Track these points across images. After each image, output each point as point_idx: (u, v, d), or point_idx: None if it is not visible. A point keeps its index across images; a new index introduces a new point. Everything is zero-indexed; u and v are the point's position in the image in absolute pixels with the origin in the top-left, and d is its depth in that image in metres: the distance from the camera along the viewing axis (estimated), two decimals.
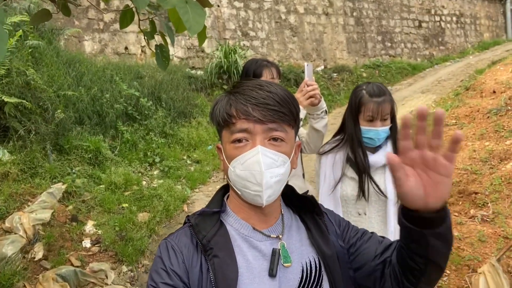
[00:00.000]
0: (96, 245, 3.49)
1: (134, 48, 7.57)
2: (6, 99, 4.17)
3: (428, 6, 13.08)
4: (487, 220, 3.35)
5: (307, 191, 1.12)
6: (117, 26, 7.41)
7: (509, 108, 4.81)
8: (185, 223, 0.97)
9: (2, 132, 4.30)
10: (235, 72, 7.79)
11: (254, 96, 0.88)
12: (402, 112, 6.52)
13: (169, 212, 4.24)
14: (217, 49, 8.13)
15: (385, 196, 1.77)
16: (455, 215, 3.50)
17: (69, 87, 5.23)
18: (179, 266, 0.87)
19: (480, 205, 3.53)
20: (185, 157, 5.83)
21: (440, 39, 13.28)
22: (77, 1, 5.70)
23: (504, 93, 5.24)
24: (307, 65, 1.88)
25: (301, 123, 1.90)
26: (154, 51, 2.65)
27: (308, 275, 0.93)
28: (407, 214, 0.79)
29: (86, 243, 3.47)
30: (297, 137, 1.04)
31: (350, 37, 10.84)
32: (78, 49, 6.79)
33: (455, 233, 3.26)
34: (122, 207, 4.15)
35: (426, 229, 0.77)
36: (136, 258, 3.45)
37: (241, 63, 7.95)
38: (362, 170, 1.78)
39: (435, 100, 7.52)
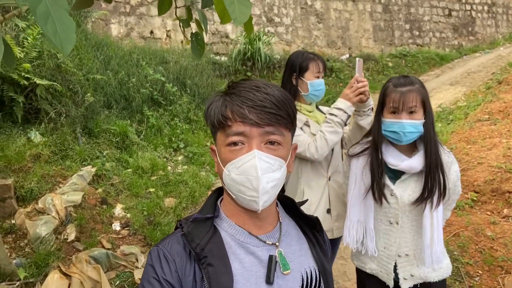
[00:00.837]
0: (125, 228, 3.56)
1: (160, 32, 7.56)
2: (38, 81, 4.24)
3: None
4: None
5: (307, 200, 1.11)
6: (143, 9, 7.39)
7: None
8: (176, 227, 0.93)
9: (34, 114, 4.38)
10: (259, 59, 7.72)
11: (250, 98, 0.84)
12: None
13: (195, 198, 4.28)
14: (241, 35, 8.05)
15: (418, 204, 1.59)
16: (488, 214, 3.41)
17: (97, 71, 5.28)
18: (172, 275, 0.84)
19: None
20: (208, 144, 5.86)
21: (470, 29, 12.81)
22: None
23: None
24: (358, 60, 1.82)
25: (348, 120, 1.86)
26: (190, 38, 2.64)
27: (309, 284, 0.91)
28: None
29: (116, 226, 3.54)
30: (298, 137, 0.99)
31: (376, 24, 10.56)
32: (105, 32, 6.82)
33: (488, 232, 3.19)
34: (149, 191, 4.21)
35: None
36: None
37: (264, 50, 7.87)
38: (375, 173, 1.62)
39: (464, 93, 7.29)
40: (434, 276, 1.65)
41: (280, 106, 0.85)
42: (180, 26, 2.68)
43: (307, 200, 1.11)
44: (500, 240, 3.10)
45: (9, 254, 2.96)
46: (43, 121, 4.33)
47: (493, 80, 6.90)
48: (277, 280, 0.88)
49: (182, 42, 7.68)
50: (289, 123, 0.89)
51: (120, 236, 3.47)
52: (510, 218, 3.31)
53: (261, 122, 0.83)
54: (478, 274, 2.86)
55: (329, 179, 1.99)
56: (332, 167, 2.00)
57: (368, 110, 1.88)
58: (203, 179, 4.70)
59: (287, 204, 1.02)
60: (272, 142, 0.86)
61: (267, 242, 0.91)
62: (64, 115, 4.45)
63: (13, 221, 3.29)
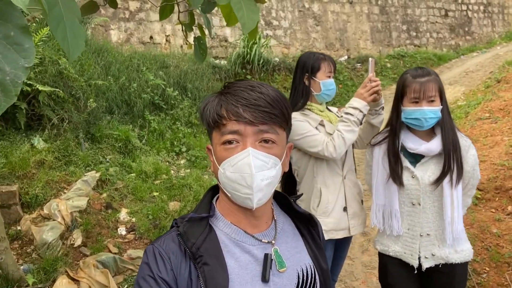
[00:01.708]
0: (131, 233, 3.56)
1: (159, 37, 7.58)
2: (40, 87, 4.24)
3: None
4: None
5: (301, 194, 1.11)
6: (142, 15, 7.42)
7: None
8: (172, 226, 0.94)
9: (36, 121, 4.39)
10: (257, 62, 7.75)
11: (245, 97, 0.85)
12: None
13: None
14: (240, 39, 8.08)
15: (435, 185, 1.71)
16: (492, 212, 3.43)
17: (98, 77, 5.29)
18: (167, 273, 0.84)
19: None
20: None
21: (466, 29, 12.89)
22: None
23: None
24: (371, 60, 1.84)
25: (364, 118, 1.88)
26: (192, 43, 2.65)
27: (304, 281, 0.92)
28: None
29: (122, 230, 3.55)
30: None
31: (374, 26, 10.62)
32: (105, 38, 6.84)
33: (494, 230, 3.21)
34: (153, 195, 4.21)
35: None
36: None
37: (263, 53, 7.90)
38: (392, 156, 1.75)
39: (464, 92, 7.33)
40: (456, 258, 1.72)
41: (274, 105, 0.86)
42: (182, 30, 2.70)
43: (301, 194, 1.11)
44: (506, 237, 3.11)
45: (16, 260, 2.96)
46: (46, 128, 4.33)
47: (491, 79, 6.94)
48: (273, 278, 0.89)
49: (181, 46, 7.71)
50: (284, 122, 0.89)
51: (126, 240, 3.47)
52: None
53: (255, 121, 0.84)
54: (485, 271, 2.87)
55: (344, 178, 2.02)
56: (346, 165, 2.03)
57: (380, 109, 1.91)
58: (207, 182, 4.70)
59: (281, 200, 1.03)
60: (266, 141, 0.87)
61: (262, 240, 0.92)
62: (66, 121, 4.46)
63: (19, 228, 3.29)
